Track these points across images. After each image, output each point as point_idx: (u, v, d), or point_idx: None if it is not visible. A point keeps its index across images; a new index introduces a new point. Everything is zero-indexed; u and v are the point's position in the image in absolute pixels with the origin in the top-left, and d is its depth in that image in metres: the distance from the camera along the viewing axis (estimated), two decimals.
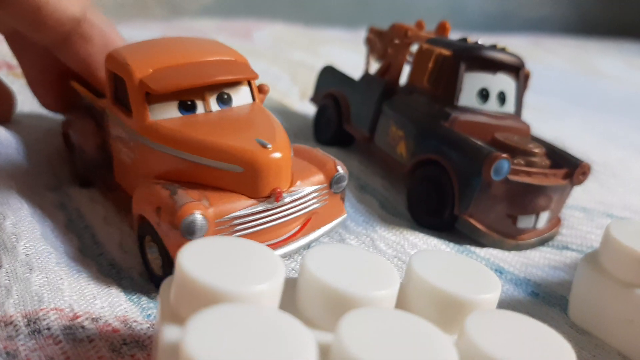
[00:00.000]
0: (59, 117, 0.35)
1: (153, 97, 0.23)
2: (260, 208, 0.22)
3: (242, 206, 0.22)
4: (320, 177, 0.25)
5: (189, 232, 0.20)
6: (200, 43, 0.26)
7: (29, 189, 0.28)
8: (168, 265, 0.22)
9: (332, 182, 0.25)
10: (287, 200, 0.23)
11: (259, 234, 0.23)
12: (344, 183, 0.25)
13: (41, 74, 0.32)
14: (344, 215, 0.26)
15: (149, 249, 0.23)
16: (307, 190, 0.24)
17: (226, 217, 0.21)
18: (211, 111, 0.24)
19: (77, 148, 0.28)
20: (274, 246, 0.23)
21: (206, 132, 0.23)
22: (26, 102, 0.36)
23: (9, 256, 0.22)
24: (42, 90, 0.33)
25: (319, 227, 0.25)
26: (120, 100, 0.25)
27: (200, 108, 0.24)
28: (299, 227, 0.24)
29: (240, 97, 0.25)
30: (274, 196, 0.22)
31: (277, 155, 0.22)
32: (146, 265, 0.23)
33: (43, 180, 0.29)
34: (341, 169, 0.25)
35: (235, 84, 0.25)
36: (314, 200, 0.24)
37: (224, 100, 0.25)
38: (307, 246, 0.24)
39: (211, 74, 0.24)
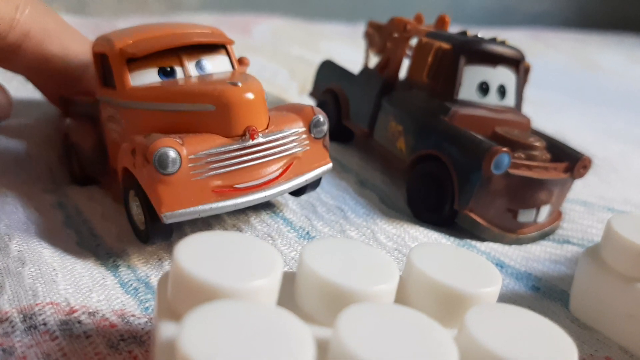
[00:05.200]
0: (56, 120, 0.35)
1: (134, 65, 0.24)
2: (235, 146, 0.23)
3: (216, 144, 0.22)
4: (298, 121, 0.25)
5: (161, 165, 0.21)
6: (180, 22, 0.27)
7: (26, 193, 0.28)
8: (149, 216, 0.22)
9: (311, 125, 0.25)
10: (262, 140, 0.23)
11: (236, 173, 0.23)
12: (324, 127, 0.26)
13: (54, 90, 0.33)
14: (329, 165, 0.26)
15: (133, 203, 0.24)
16: (284, 132, 0.24)
17: (200, 153, 0.22)
18: (190, 77, 0.25)
19: (76, 146, 0.29)
20: (255, 188, 0.23)
21: (182, 85, 0.24)
22: (24, 100, 0.36)
23: (1, 254, 0.22)
24: (55, 99, 0.34)
25: (302, 173, 0.25)
26: (107, 80, 0.26)
27: (179, 74, 0.25)
28: (280, 171, 0.24)
29: (219, 64, 0.26)
30: (248, 134, 0.23)
31: (249, 93, 0.23)
32: (131, 223, 0.24)
33: (41, 183, 0.30)
34: (320, 115, 0.26)
35: (213, 51, 0.26)
36: (294, 144, 0.25)
37: (203, 67, 0.26)
38: (290, 191, 0.25)
39: (187, 37, 0.25)
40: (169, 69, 0.25)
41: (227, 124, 0.23)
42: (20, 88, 0.36)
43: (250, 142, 0.23)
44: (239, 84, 0.23)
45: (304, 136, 0.25)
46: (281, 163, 0.24)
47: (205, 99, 0.23)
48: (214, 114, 0.23)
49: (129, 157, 0.22)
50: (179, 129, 0.23)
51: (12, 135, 0.33)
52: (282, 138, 0.24)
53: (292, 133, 0.25)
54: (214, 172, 0.22)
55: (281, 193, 0.24)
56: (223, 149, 0.22)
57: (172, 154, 0.21)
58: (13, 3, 0.27)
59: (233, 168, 0.23)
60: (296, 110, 0.26)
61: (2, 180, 0.28)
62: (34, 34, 0.28)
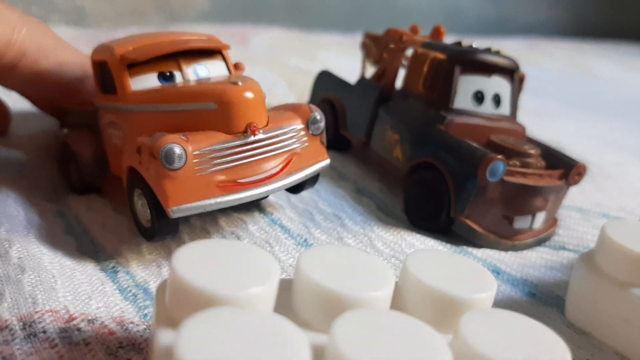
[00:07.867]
0: (55, 131, 0.35)
1: (134, 70, 0.25)
2: (237, 142, 0.24)
3: (219, 140, 0.23)
4: (296, 119, 0.26)
5: (167, 161, 0.22)
6: (177, 31, 0.28)
7: (27, 200, 0.28)
8: (155, 212, 0.23)
9: (309, 122, 0.26)
10: (263, 136, 0.24)
11: (239, 168, 0.24)
12: (321, 124, 0.27)
13: (48, 102, 0.34)
14: (327, 161, 0.27)
15: (138, 202, 0.24)
16: (283, 129, 0.25)
17: (204, 149, 0.23)
18: (189, 80, 0.26)
19: (76, 155, 0.29)
20: (257, 183, 0.24)
21: (183, 86, 0.25)
22: (23, 112, 0.37)
23: (1, 261, 0.22)
24: (49, 109, 0.35)
25: (301, 169, 0.26)
26: (106, 87, 0.27)
27: (178, 78, 0.26)
28: (281, 166, 0.25)
29: (216, 69, 0.27)
30: (249, 130, 0.24)
31: (248, 92, 0.24)
32: (136, 222, 0.25)
33: (42, 192, 0.30)
34: (317, 112, 0.26)
35: (210, 56, 0.27)
36: (293, 140, 0.26)
37: (200, 72, 0.26)
38: (291, 186, 0.26)
39: (185, 43, 0.26)
40: (168, 74, 0.26)
41: (228, 121, 0.23)
42: (19, 100, 0.36)
43: (252, 138, 0.24)
44: (239, 83, 0.24)
45: (302, 133, 0.26)
46: (281, 159, 0.25)
47: (206, 98, 0.23)
48: (215, 112, 0.23)
49: (135, 156, 0.23)
50: (181, 129, 0.23)
51: (12, 147, 0.33)
52: (282, 134, 0.25)
53: (290, 130, 0.26)
54: (218, 167, 0.23)
55: (282, 187, 0.25)
56: (226, 144, 0.23)
57: (177, 149, 0.22)
58: (10, 24, 0.27)
59: (236, 163, 0.24)
60: (294, 108, 0.27)
61: (3, 187, 0.29)
62: (31, 53, 0.28)
